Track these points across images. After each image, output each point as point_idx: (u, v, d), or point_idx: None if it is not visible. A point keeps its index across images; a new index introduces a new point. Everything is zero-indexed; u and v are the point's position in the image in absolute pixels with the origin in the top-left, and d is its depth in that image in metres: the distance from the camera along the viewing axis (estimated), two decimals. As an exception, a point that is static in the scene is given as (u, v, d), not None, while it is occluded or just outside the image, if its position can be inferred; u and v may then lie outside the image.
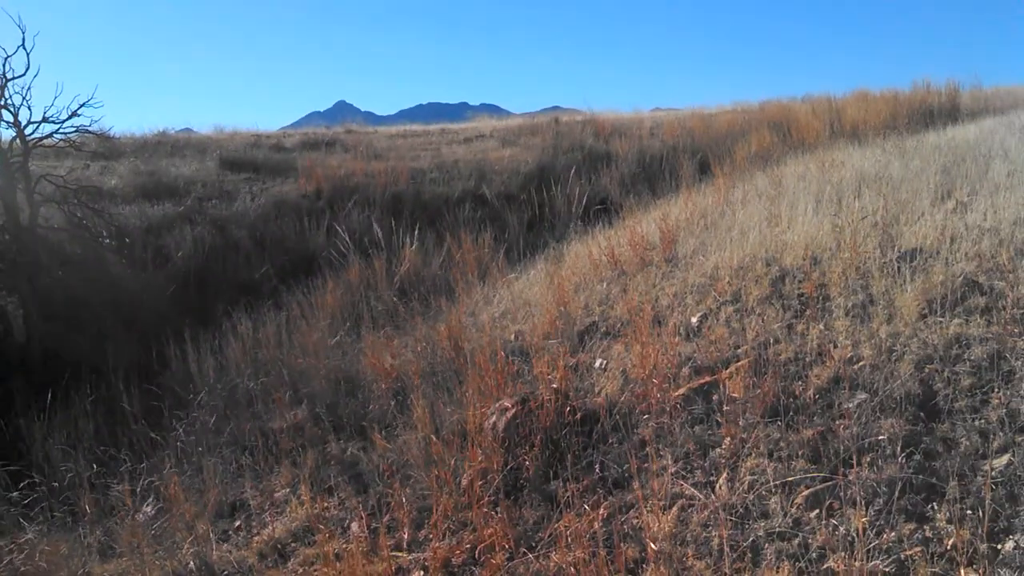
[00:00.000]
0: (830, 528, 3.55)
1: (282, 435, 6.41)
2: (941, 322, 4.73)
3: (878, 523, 3.48)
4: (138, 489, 5.92)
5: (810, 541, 3.53)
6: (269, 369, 7.78)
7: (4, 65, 10.26)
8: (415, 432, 5.60)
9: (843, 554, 3.37)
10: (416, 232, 10.79)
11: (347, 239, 10.76)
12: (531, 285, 8.40)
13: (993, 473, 3.53)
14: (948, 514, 3.44)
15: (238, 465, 6.24)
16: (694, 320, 5.90)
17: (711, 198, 9.74)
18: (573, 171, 13.79)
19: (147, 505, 5.88)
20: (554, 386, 5.20)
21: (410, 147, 16.91)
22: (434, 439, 5.21)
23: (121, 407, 7.24)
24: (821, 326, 5.14)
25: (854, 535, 3.42)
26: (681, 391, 4.87)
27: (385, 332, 7.83)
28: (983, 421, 3.89)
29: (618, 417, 4.90)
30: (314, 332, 8.22)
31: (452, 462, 4.95)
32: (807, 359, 4.81)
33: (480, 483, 4.66)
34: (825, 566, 3.38)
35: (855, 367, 4.57)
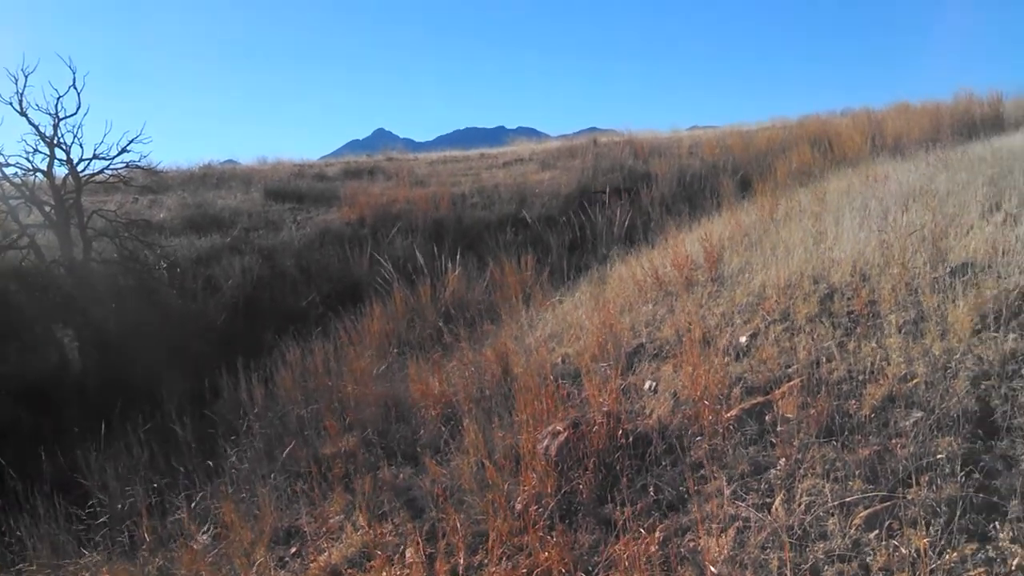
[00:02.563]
0: (890, 549, 3.52)
1: (334, 461, 6.46)
2: (996, 337, 4.67)
3: (939, 543, 3.45)
4: (194, 516, 6.04)
5: (870, 562, 3.50)
6: (319, 396, 7.88)
7: (56, 105, 10.61)
8: (467, 457, 5.63)
9: (905, 575, 3.35)
10: (458, 257, 10.85)
11: (390, 266, 10.84)
12: (575, 307, 8.42)
13: (1056, 491, 3.49)
14: (1011, 533, 3.40)
15: (291, 491, 6.30)
16: (743, 340, 5.89)
17: (754, 215, 9.71)
18: (613, 192, 13.83)
19: (204, 532, 5.98)
20: (605, 409, 5.23)
21: (450, 173, 17.07)
22: (487, 464, 5.24)
23: (175, 436, 7.38)
24: (873, 343, 5.10)
25: (915, 556, 3.40)
26: (733, 412, 4.87)
27: (432, 357, 7.88)
28: (1043, 438, 3.85)
29: (671, 439, 4.91)
30: (361, 359, 8.30)
31: (505, 486, 4.98)
32: (860, 377, 4.78)
33: (535, 507, 4.68)
34: (887, 587, 3.37)
35: (910, 385, 4.53)
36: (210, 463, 6.89)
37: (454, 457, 5.85)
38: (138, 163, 11.64)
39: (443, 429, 6.42)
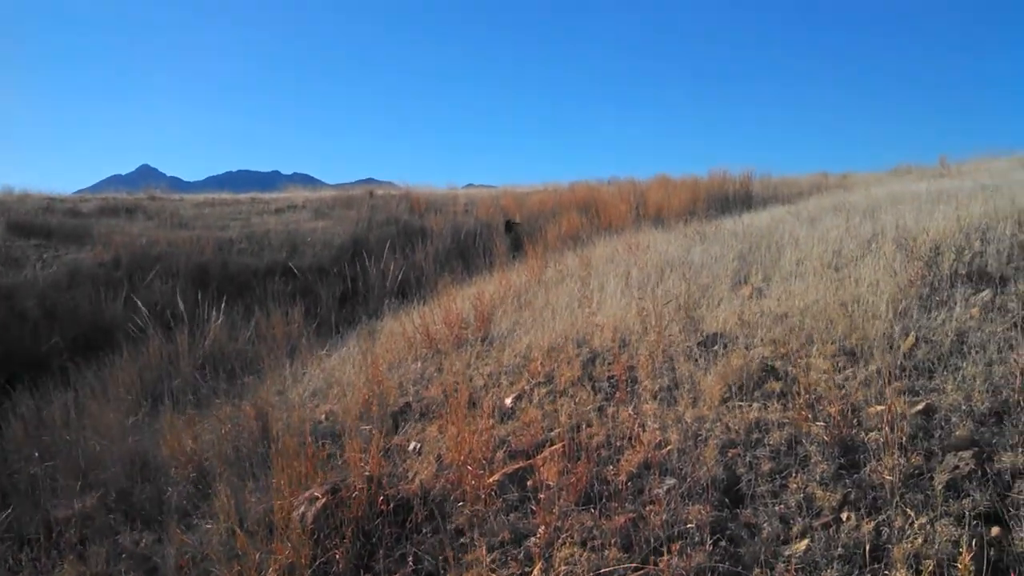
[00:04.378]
0: (642, 619, 3.56)
1: (68, 526, 5.82)
2: (742, 406, 4.94)
3: (688, 612, 3.53)
4: None
5: (623, 633, 3.53)
6: (56, 452, 7.11)
7: None
8: (217, 523, 5.23)
9: (655, 646, 3.38)
10: (223, 305, 10.30)
11: (147, 312, 10.09)
12: (343, 362, 8.19)
13: (794, 560, 3.66)
14: (753, 601, 3.53)
15: (15, 561, 5.60)
16: (508, 401, 5.91)
17: (525, 277, 9.91)
18: (388, 245, 13.67)
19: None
20: (366, 473, 5.03)
21: (218, 216, 16.28)
22: (238, 531, 4.88)
23: None
24: (631, 409, 5.25)
25: (665, 625, 3.45)
26: (496, 477, 4.82)
27: (186, 412, 7.35)
28: (783, 506, 4.05)
29: (432, 505, 4.79)
30: (108, 412, 7.61)
31: (256, 556, 4.64)
32: (618, 443, 4.89)
33: (286, 580, 4.40)
34: (638, 659, 3.38)
35: (663, 452, 4.68)
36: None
37: (203, 522, 5.43)
38: None
39: (193, 491, 5.97)
